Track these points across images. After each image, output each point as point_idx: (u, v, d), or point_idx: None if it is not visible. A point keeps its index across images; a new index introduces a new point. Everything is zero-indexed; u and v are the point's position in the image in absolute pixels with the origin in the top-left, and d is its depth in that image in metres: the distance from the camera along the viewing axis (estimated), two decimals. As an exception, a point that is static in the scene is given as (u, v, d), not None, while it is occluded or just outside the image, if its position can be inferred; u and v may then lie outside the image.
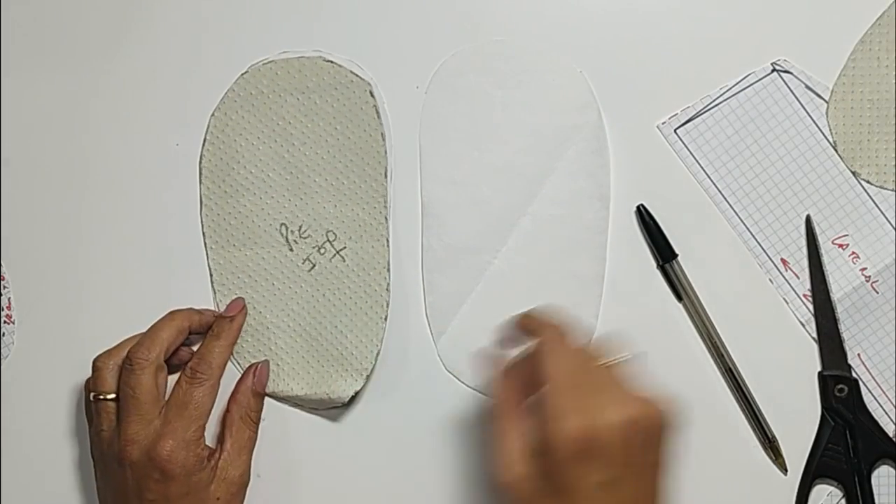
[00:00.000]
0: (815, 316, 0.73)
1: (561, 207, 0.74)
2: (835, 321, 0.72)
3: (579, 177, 0.74)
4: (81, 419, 0.76)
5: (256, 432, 0.74)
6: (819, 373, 0.73)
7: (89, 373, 0.76)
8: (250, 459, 0.73)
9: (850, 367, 0.72)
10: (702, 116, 0.73)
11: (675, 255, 0.73)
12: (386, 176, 0.74)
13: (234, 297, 0.76)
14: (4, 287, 0.77)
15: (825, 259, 0.73)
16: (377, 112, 0.74)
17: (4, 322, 0.77)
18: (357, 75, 0.74)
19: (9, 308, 0.77)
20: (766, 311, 0.73)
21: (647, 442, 0.60)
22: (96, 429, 0.71)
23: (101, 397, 0.71)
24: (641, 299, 0.74)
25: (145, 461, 0.69)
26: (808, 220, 0.73)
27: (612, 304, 0.74)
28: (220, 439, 0.73)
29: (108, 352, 0.72)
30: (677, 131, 0.73)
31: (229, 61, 0.75)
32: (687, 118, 0.73)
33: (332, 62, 0.74)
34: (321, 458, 0.76)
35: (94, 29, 0.77)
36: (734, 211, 0.73)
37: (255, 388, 0.74)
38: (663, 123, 0.73)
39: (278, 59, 0.74)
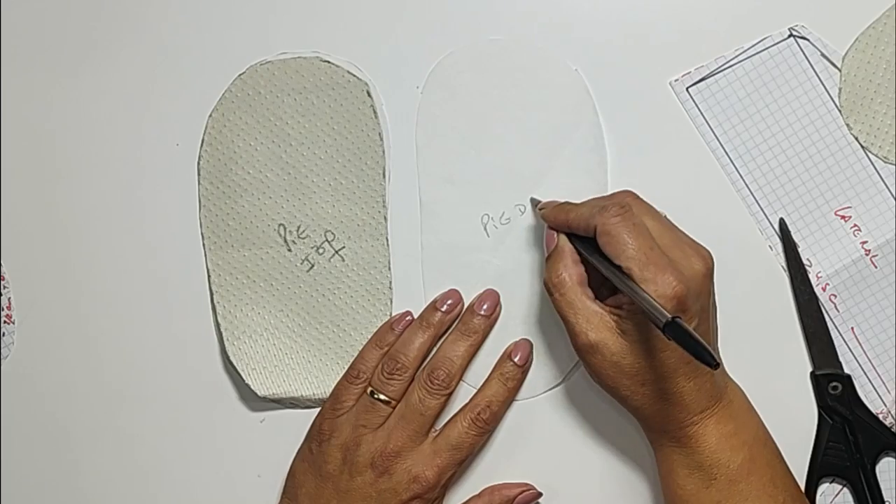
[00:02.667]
0: (801, 316, 0.72)
1: (560, 204, 0.74)
2: (821, 320, 0.72)
3: (577, 174, 0.74)
4: (81, 419, 0.77)
5: None
6: (811, 373, 0.73)
7: (90, 372, 0.77)
8: None
9: (840, 363, 0.72)
10: (715, 77, 0.72)
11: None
12: (384, 175, 0.74)
13: (233, 297, 0.75)
14: (4, 287, 0.77)
15: (826, 229, 0.72)
16: (374, 112, 0.74)
17: (4, 322, 0.77)
18: (354, 75, 0.74)
19: (9, 308, 0.77)
20: (764, 277, 0.73)
21: (711, 286, 0.66)
22: (355, 423, 0.72)
23: (383, 399, 0.72)
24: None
25: (404, 479, 0.70)
26: (783, 224, 0.73)
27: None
28: None
29: (404, 360, 0.72)
30: (689, 90, 0.73)
31: (228, 62, 0.75)
32: (700, 77, 0.72)
33: (329, 62, 0.74)
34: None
35: (93, 30, 0.76)
36: (739, 174, 0.73)
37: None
38: (676, 81, 0.73)
39: (276, 60, 0.74)
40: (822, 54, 0.72)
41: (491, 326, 0.74)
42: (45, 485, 0.77)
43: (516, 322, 0.74)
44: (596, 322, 0.65)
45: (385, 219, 0.74)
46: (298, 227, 0.75)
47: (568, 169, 0.74)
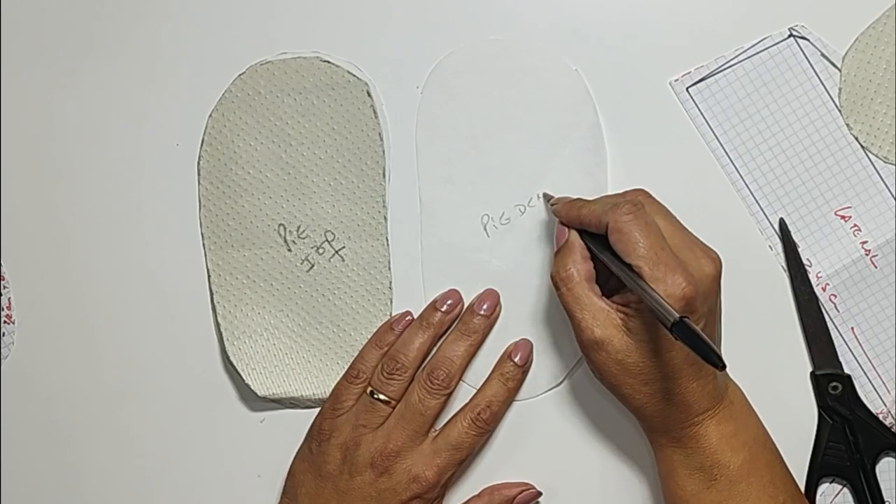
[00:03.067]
0: (801, 316, 0.73)
1: (560, 204, 0.74)
2: (821, 320, 0.72)
3: (577, 174, 0.74)
4: (81, 419, 0.77)
5: None
6: (811, 373, 0.73)
7: (90, 372, 0.77)
8: None
9: (840, 363, 0.72)
10: (715, 77, 0.72)
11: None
12: (384, 176, 0.74)
13: (233, 297, 0.75)
14: (4, 287, 0.77)
15: (826, 229, 0.72)
16: (374, 112, 0.74)
17: (4, 322, 0.77)
18: (354, 75, 0.74)
19: (9, 308, 0.77)
20: (764, 277, 0.73)
21: (719, 289, 0.66)
22: (355, 423, 0.72)
23: (383, 399, 0.72)
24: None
25: (404, 479, 0.70)
26: (783, 224, 0.73)
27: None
28: None
29: (404, 359, 0.72)
30: (689, 90, 0.73)
31: (228, 62, 0.75)
32: (700, 77, 0.73)
33: (329, 62, 0.74)
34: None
35: (92, 30, 0.76)
36: (739, 174, 0.73)
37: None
38: (676, 81, 0.73)
39: (276, 60, 0.74)
40: (822, 54, 0.72)
41: (491, 326, 0.74)
42: (45, 485, 0.77)
43: (516, 322, 0.74)
44: (602, 319, 0.65)
45: (385, 219, 0.74)
46: (298, 227, 0.75)
47: (568, 169, 0.74)
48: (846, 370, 0.72)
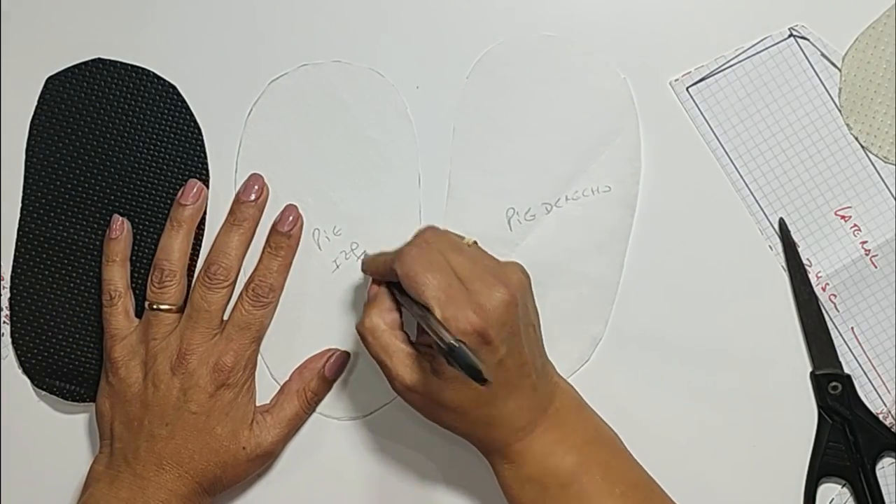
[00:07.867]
0: (801, 316, 0.73)
1: (586, 209, 0.74)
2: (821, 319, 0.73)
3: (609, 181, 0.74)
4: (80, 417, 0.76)
5: (307, 413, 0.75)
6: (811, 373, 0.73)
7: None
8: (287, 436, 0.75)
9: (840, 363, 0.73)
10: (715, 77, 0.73)
11: None
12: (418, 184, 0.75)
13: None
14: (4, 287, 0.77)
15: (826, 229, 0.73)
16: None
17: (4, 322, 0.77)
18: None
19: (8, 308, 0.77)
20: (764, 277, 0.74)
21: (522, 310, 0.65)
22: (145, 338, 0.72)
23: (164, 308, 0.72)
24: (656, 311, 0.74)
25: (203, 371, 0.71)
26: (783, 224, 0.73)
27: (624, 312, 0.75)
28: (271, 402, 0.75)
29: (168, 265, 0.73)
30: (689, 90, 0.73)
31: (257, 71, 0.76)
32: (700, 77, 0.73)
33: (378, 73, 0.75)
34: (322, 458, 0.76)
35: (108, 32, 0.76)
36: (739, 174, 0.73)
37: (324, 371, 0.75)
38: (676, 80, 0.73)
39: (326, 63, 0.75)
40: (822, 54, 0.72)
41: (261, 211, 0.75)
42: (46, 484, 0.77)
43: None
44: (410, 364, 0.66)
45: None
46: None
47: (601, 175, 0.74)
48: (846, 370, 0.73)
